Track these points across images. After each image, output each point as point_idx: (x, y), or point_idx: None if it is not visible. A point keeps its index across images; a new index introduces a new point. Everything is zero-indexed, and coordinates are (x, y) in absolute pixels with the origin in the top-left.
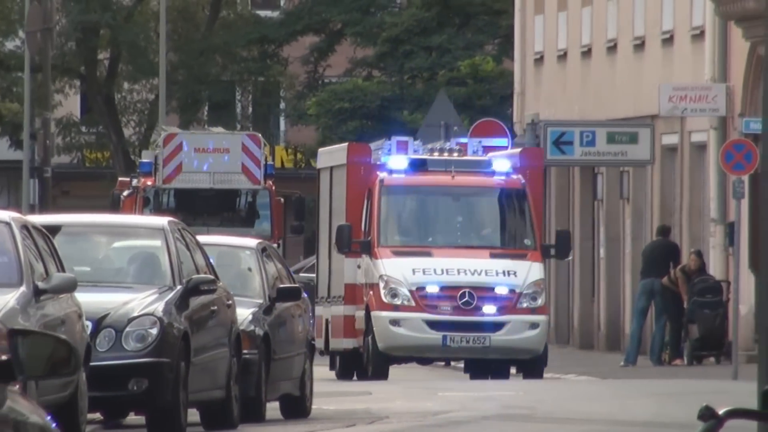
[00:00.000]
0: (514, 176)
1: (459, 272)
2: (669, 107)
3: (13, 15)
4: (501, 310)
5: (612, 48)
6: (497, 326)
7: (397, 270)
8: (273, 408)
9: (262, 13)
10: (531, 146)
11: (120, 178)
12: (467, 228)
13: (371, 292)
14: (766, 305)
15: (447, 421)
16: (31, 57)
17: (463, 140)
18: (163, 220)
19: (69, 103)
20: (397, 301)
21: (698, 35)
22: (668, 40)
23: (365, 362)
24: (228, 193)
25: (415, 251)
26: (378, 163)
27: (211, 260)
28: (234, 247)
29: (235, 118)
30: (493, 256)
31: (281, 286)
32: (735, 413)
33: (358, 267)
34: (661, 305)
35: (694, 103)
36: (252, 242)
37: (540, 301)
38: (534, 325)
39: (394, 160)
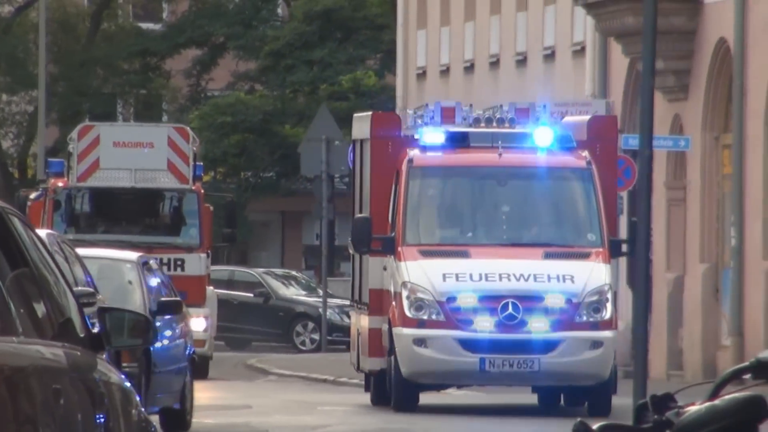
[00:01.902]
0: (579, 153)
1: (501, 278)
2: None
3: None
4: (554, 326)
5: (494, 63)
6: (549, 346)
7: (424, 275)
8: (153, 421)
9: (144, 25)
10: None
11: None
12: (516, 220)
13: (394, 303)
14: (642, 321)
15: None
16: None
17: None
18: (41, 233)
19: None
20: (424, 315)
21: (579, 51)
22: (550, 56)
23: (388, 389)
24: (151, 194)
25: (448, 251)
26: (411, 136)
27: (92, 274)
28: (115, 260)
29: None
30: (546, 256)
31: (162, 299)
32: (608, 428)
33: (384, 269)
34: None
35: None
36: (133, 255)
37: (605, 314)
38: (597, 344)
39: (429, 134)
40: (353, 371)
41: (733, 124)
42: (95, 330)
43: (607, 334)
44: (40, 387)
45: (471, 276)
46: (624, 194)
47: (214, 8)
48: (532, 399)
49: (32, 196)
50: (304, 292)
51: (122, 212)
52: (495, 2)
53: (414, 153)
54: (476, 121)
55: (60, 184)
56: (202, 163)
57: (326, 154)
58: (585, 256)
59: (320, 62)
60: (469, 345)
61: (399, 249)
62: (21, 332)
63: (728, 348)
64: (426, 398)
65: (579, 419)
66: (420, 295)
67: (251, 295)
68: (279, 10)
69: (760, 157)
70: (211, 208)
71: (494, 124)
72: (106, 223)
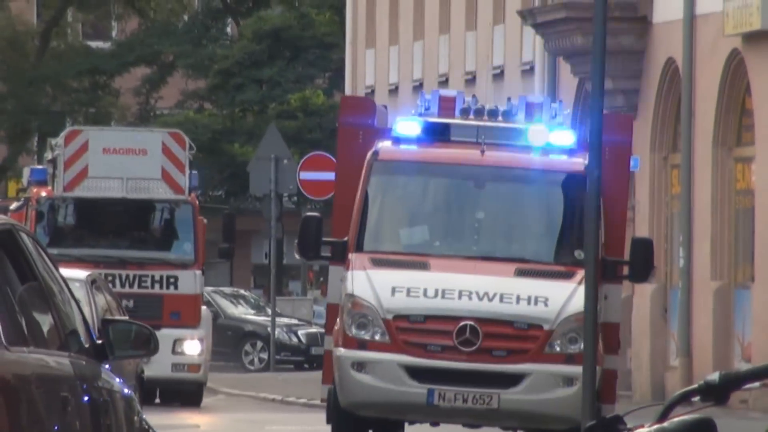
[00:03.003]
0: (577, 157)
1: (461, 295)
2: None
3: None
4: (519, 356)
5: (443, 82)
6: (512, 380)
7: (370, 288)
8: None
9: (94, 44)
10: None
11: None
12: (490, 230)
13: (338, 320)
14: (591, 339)
15: None
16: None
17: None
18: None
19: None
20: (366, 336)
21: (528, 70)
22: (499, 75)
23: (327, 419)
24: (144, 205)
25: (404, 261)
26: (388, 128)
27: None
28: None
29: None
30: (519, 273)
31: (106, 318)
32: None
33: (341, 281)
34: None
35: None
36: (82, 274)
37: (582, 345)
38: (570, 381)
39: (403, 124)
40: (302, 390)
41: (681, 145)
42: (99, 341)
43: (582, 369)
44: (48, 395)
45: (425, 291)
46: None
47: (163, 27)
48: None
49: (12, 207)
50: (252, 311)
51: (111, 225)
52: (444, 22)
53: (382, 145)
54: (463, 113)
55: (43, 193)
56: (196, 172)
57: (275, 173)
58: (567, 276)
59: (269, 81)
60: (416, 373)
61: (349, 256)
62: (30, 342)
63: (677, 369)
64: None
65: None
66: (363, 311)
67: None
68: (228, 29)
69: (708, 178)
70: (205, 221)
71: (485, 116)
72: (94, 237)
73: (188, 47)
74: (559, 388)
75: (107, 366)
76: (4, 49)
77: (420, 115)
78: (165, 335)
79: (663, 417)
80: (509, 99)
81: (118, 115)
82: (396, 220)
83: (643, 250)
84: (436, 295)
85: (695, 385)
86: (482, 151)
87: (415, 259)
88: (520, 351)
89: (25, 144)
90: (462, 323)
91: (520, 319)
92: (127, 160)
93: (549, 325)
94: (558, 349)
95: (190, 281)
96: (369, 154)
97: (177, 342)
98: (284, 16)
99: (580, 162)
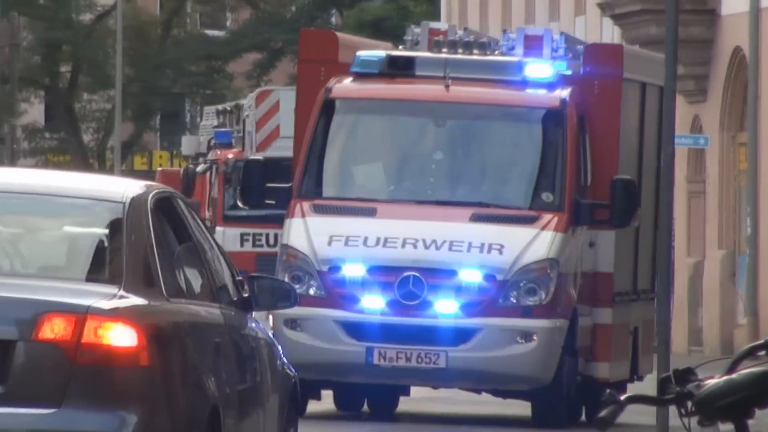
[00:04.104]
0: (555, 91)
1: (405, 244)
2: None
3: None
4: (469, 310)
5: None
6: (461, 335)
7: (305, 237)
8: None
9: (210, 32)
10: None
11: (160, 168)
12: (448, 172)
13: None
14: (665, 301)
15: None
16: (0, 70)
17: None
18: None
19: (34, 111)
20: (300, 289)
21: None
22: None
23: None
24: None
25: (349, 208)
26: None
27: None
28: None
29: (185, 127)
30: (475, 219)
31: None
32: (635, 398)
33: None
34: None
35: None
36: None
37: (544, 297)
38: (527, 336)
39: (365, 58)
40: None
41: (747, 124)
42: (245, 294)
43: (542, 323)
44: (202, 340)
45: (366, 240)
46: None
47: (273, 17)
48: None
49: (199, 169)
50: None
51: None
52: (530, 13)
53: (336, 81)
54: (435, 45)
55: (230, 155)
56: None
57: None
58: (529, 221)
59: None
60: (354, 330)
61: (291, 202)
62: (187, 295)
63: (744, 327)
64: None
65: (608, 390)
66: (298, 262)
67: None
68: (333, 20)
69: None
70: None
71: (460, 50)
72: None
73: (295, 35)
74: (515, 345)
75: (253, 316)
76: (131, 38)
77: (444, 48)
78: None
79: (731, 369)
80: (505, 31)
81: (231, 97)
82: (344, 163)
83: (625, 191)
84: (377, 244)
85: (761, 341)
86: (447, 86)
87: (361, 205)
88: (470, 304)
89: (149, 122)
90: (404, 274)
91: (469, 269)
92: None
93: (503, 275)
94: (513, 301)
95: None
96: (322, 91)
97: None
98: (384, 8)
99: (555, 96)
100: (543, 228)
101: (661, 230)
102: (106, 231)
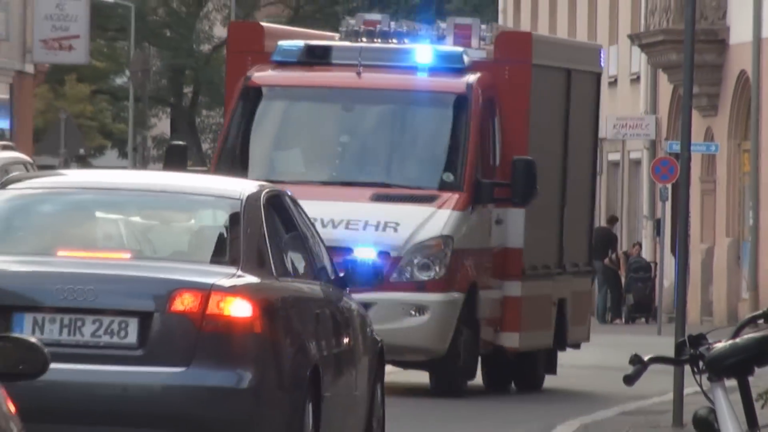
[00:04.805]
0: (462, 77)
1: None
2: (613, 132)
3: (121, 59)
4: (363, 286)
5: None
6: None
7: None
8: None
9: None
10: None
11: None
12: (353, 155)
13: None
14: (682, 279)
15: None
16: (135, 90)
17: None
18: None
19: (162, 125)
20: None
21: (635, 79)
22: (613, 82)
23: None
24: None
25: None
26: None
27: None
28: None
29: None
30: (375, 198)
31: None
32: (656, 359)
33: None
34: (601, 279)
35: (631, 129)
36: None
37: (438, 271)
38: (420, 309)
39: (284, 48)
40: None
41: (751, 134)
42: (341, 274)
43: (435, 297)
44: (304, 312)
45: None
46: (669, 186)
47: None
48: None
49: None
50: None
51: None
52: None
53: (256, 69)
54: (351, 35)
55: None
56: None
57: None
58: (428, 200)
59: None
60: None
61: None
62: (292, 275)
63: (746, 300)
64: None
65: (634, 353)
66: None
67: None
68: None
69: None
70: None
71: (377, 39)
72: None
73: None
74: (408, 317)
75: (347, 291)
76: None
77: (362, 37)
78: None
79: (735, 335)
80: (437, 21)
81: None
82: (258, 147)
83: (525, 170)
84: None
85: (760, 311)
86: (359, 73)
87: None
88: (364, 281)
89: None
90: None
91: (364, 247)
92: None
93: (396, 251)
94: (408, 276)
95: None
96: (241, 79)
97: None
98: None
99: (461, 82)
100: (441, 207)
101: (680, 222)
102: (227, 222)
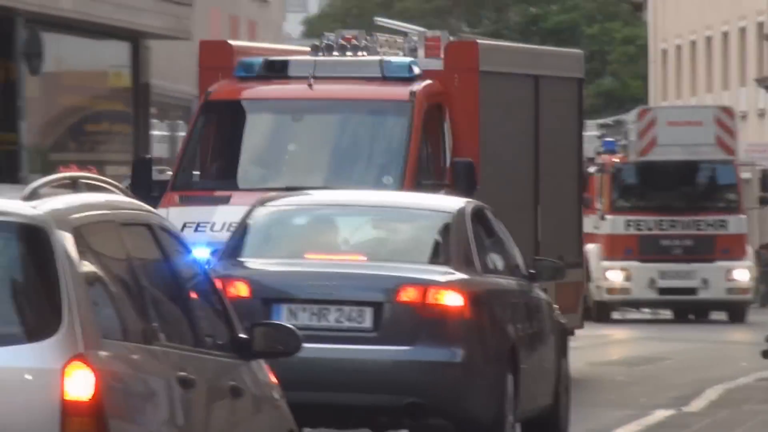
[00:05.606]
0: (408, 86)
1: None
2: (744, 156)
3: None
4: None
5: None
6: None
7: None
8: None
9: None
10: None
11: None
12: (300, 161)
13: None
14: None
15: None
16: None
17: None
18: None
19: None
20: None
21: (761, 114)
22: (743, 118)
23: None
24: (698, 165)
25: (208, 197)
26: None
27: None
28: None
29: None
30: None
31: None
32: None
33: None
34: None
35: (758, 153)
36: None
37: None
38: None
39: (244, 63)
40: None
41: None
42: (531, 270)
43: None
44: (503, 299)
45: (213, 226)
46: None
47: None
48: None
49: (591, 170)
50: None
51: (674, 181)
52: (709, 85)
53: (218, 84)
54: (313, 49)
55: (616, 159)
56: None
57: None
58: None
59: None
60: None
61: (165, 194)
62: (493, 272)
63: None
64: None
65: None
66: None
67: None
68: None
69: None
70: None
71: (335, 52)
72: (660, 190)
73: None
74: None
75: (536, 285)
76: None
77: (321, 51)
78: (718, 267)
79: None
80: (407, 35)
81: None
82: (212, 158)
83: (464, 171)
84: (222, 229)
85: None
86: (310, 85)
87: (219, 195)
88: None
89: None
90: None
91: None
92: (687, 130)
93: None
94: None
95: (737, 224)
96: (202, 94)
97: (728, 271)
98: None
99: (404, 90)
100: None
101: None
102: (441, 231)
